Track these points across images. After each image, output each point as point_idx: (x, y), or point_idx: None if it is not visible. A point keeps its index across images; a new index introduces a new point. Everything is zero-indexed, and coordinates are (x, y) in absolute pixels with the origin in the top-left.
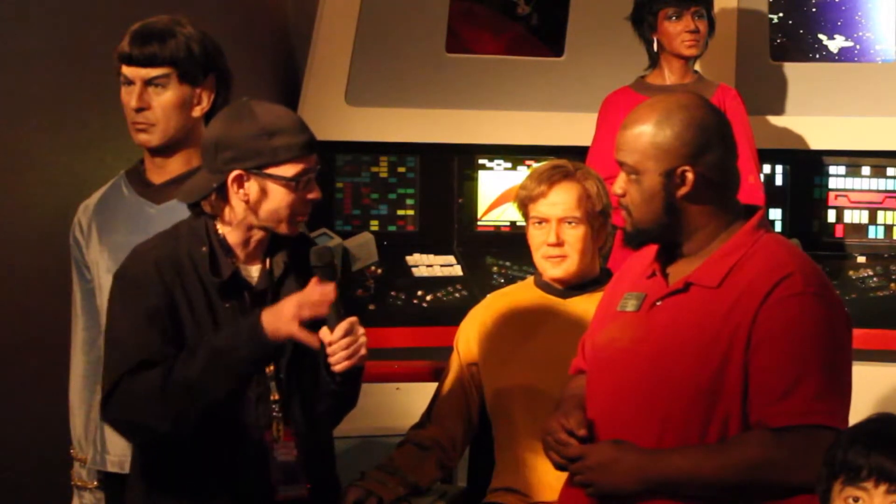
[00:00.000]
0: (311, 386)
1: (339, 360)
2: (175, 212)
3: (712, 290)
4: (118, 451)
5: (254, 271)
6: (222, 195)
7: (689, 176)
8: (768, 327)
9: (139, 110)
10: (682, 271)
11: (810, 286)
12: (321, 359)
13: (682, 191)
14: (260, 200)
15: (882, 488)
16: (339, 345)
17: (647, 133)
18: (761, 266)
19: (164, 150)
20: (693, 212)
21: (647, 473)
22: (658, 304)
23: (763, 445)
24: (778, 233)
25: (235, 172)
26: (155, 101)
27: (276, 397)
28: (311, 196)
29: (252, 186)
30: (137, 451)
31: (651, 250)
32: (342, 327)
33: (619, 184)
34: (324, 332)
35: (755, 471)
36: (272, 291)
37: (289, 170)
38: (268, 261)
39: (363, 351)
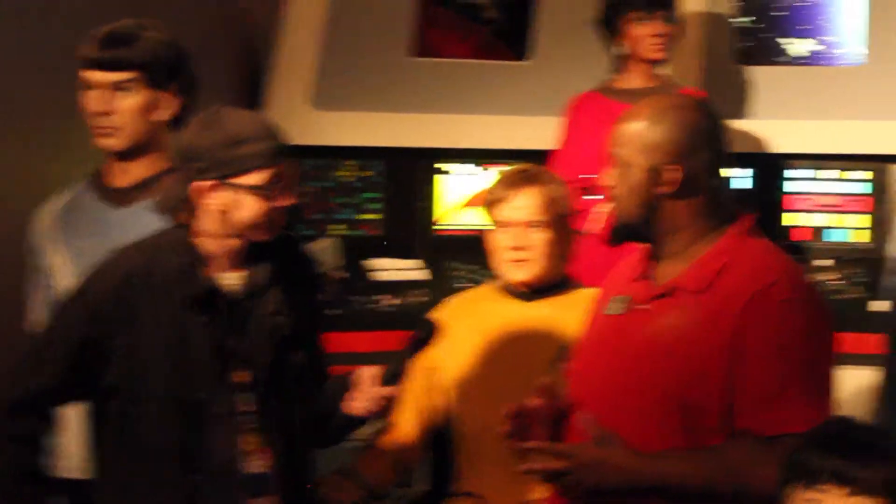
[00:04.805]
0: (292, 397)
1: (360, 403)
2: (139, 216)
3: (697, 295)
4: (75, 458)
5: (234, 279)
6: (195, 205)
7: (674, 175)
8: (752, 335)
9: (103, 115)
10: (669, 274)
11: (796, 293)
12: (336, 390)
13: (666, 189)
14: (231, 210)
15: (841, 491)
16: (374, 393)
17: (639, 128)
18: (747, 272)
19: (128, 155)
20: (676, 211)
21: (632, 477)
22: (643, 307)
23: (749, 453)
24: (767, 238)
25: (205, 182)
26: (120, 105)
27: (251, 409)
28: (283, 203)
29: (222, 196)
30: (96, 460)
31: (640, 253)
32: (391, 389)
33: (610, 175)
34: (370, 376)
35: (741, 478)
36: (252, 301)
37: (258, 177)
38: (253, 270)
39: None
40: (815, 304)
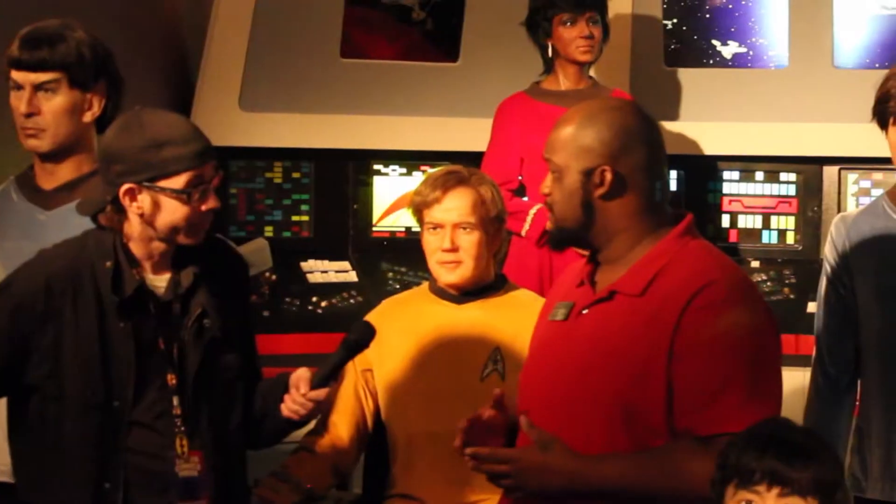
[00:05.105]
0: (223, 400)
1: (289, 406)
2: (66, 218)
3: (636, 299)
4: (5, 461)
5: (162, 281)
6: (119, 208)
7: (608, 175)
8: (690, 336)
9: (29, 115)
10: (609, 279)
11: (734, 293)
12: (271, 391)
13: (601, 190)
14: (154, 213)
15: (774, 491)
16: (305, 398)
17: (571, 132)
18: (685, 273)
19: (55, 156)
20: (613, 213)
21: (575, 482)
22: (584, 312)
23: (689, 454)
24: (706, 240)
25: (126, 186)
26: (45, 106)
27: (179, 412)
28: (206, 206)
29: (145, 199)
30: (15, 460)
31: (584, 259)
32: (321, 392)
33: (546, 183)
34: (301, 378)
35: (682, 480)
36: (180, 303)
37: (180, 181)
38: (181, 272)
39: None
40: (756, 305)
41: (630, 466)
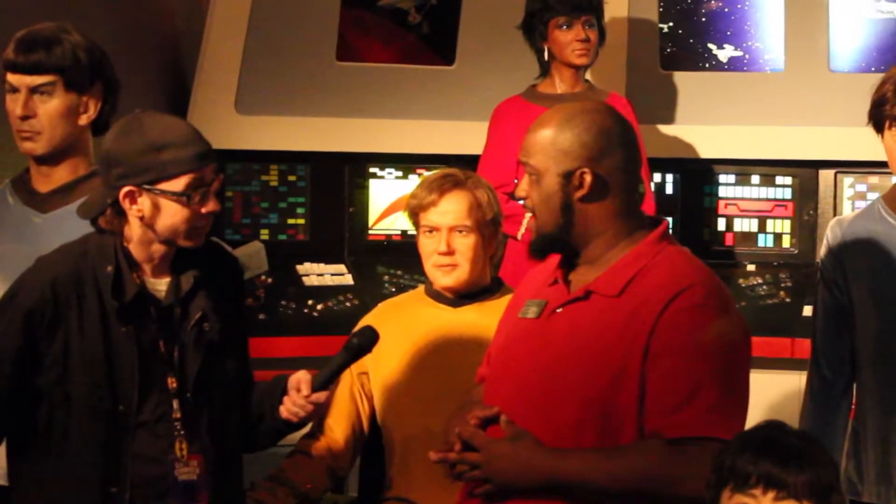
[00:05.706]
0: (221, 403)
1: (289, 408)
2: (62, 221)
3: (612, 299)
4: (2, 464)
5: (162, 285)
6: (119, 211)
7: (587, 178)
8: (666, 338)
9: (24, 118)
10: (584, 279)
11: (709, 298)
12: (268, 394)
13: (580, 193)
14: (154, 216)
15: (770, 495)
16: (306, 400)
17: (548, 135)
18: (661, 277)
19: (50, 159)
20: (592, 215)
21: (540, 474)
22: (558, 311)
23: (657, 455)
24: (682, 245)
25: (126, 189)
26: (40, 109)
27: (179, 416)
28: (206, 209)
29: (145, 202)
30: (18, 467)
31: (556, 258)
32: (322, 395)
33: (522, 186)
34: (301, 380)
35: (647, 480)
36: (180, 306)
37: (180, 184)
38: (180, 275)
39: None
40: (731, 312)
41: (596, 462)
